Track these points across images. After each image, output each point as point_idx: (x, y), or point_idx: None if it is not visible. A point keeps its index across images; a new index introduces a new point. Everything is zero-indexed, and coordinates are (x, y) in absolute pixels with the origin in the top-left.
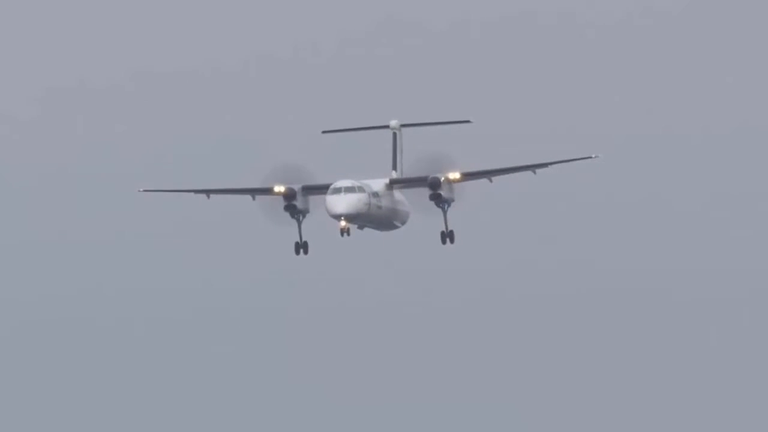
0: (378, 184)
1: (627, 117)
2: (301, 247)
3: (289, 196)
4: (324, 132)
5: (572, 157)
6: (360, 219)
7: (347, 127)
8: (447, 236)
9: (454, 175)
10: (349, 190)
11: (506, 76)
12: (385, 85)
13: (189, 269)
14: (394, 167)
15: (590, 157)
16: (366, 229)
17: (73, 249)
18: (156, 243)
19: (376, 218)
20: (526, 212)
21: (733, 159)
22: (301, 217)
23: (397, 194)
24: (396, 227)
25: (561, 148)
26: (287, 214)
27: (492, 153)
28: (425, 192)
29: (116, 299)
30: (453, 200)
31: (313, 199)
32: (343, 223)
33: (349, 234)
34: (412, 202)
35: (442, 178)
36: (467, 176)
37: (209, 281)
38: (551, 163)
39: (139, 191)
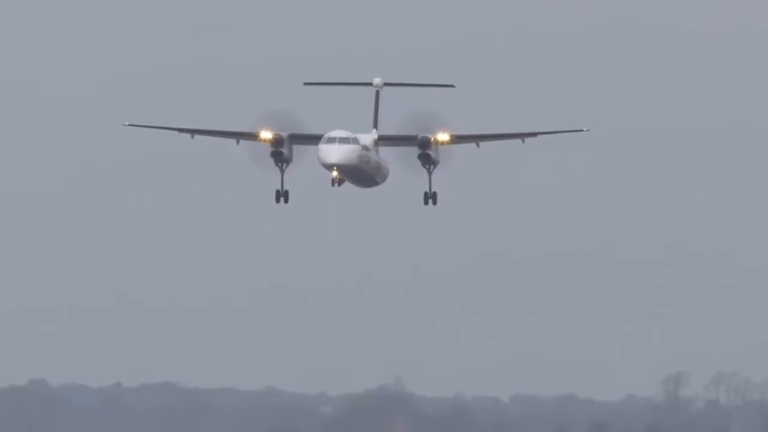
0: (367, 138)
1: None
2: (282, 195)
3: (276, 142)
4: (306, 84)
5: (562, 129)
6: (350, 170)
7: (330, 81)
8: (430, 197)
9: (444, 137)
10: (344, 140)
11: (492, 40)
12: (371, 41)
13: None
14: (375, 125)
15: (581, 131)
16: (345, 185)
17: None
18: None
19: (363, 172)
20: (510, 180)
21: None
22: (284, 166)
23: (382, 152)
24: (376, 184)
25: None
26: (271, 161)
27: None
28: (411, 152)
29: None
30: (439, 162)
31: (298, 149)
32: (335, 173)
33: (340, 184)
34: (398, 160)
35: (432, 138)
36: (457, 139)
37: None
38: (540, 133)
39: (125, 125)
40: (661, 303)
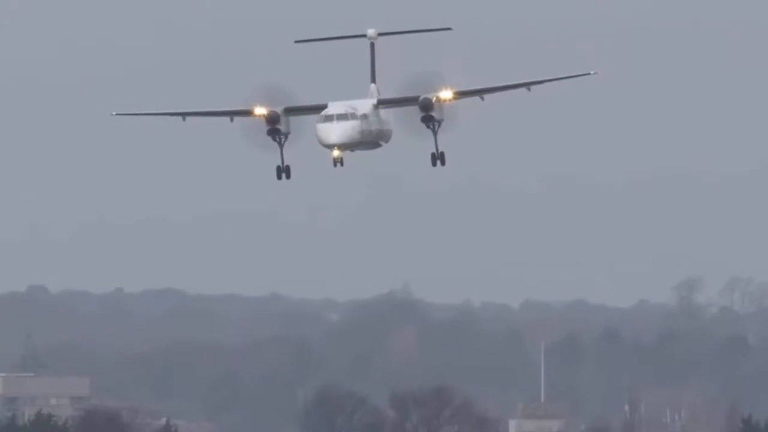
0: (365, 105)
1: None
2: (284, 171)
3: (271, 119)
4: (297, 42)
5: (569, 74)
6: (352, 146)
7: (322, 37)
8: (438, 158)
9: (446, 95)
10: (342, 117)
11: None
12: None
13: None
14: (373, 80)
15: (588, 74)
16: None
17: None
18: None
19: (363, 143)
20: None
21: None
22: (283, 140)
23: (383, 113)
24: (379, 146)
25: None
26: (268, 138)
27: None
28: (414, 112)
29: None
30: (443, 119)
31: (295, 120)
32: (336, 153)
33: (342, 164)
34: (400, 122)
35: (434, 98)
36: (459, 95)
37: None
38: (547, 81)
39: (113, 115)
40: (674, 208)
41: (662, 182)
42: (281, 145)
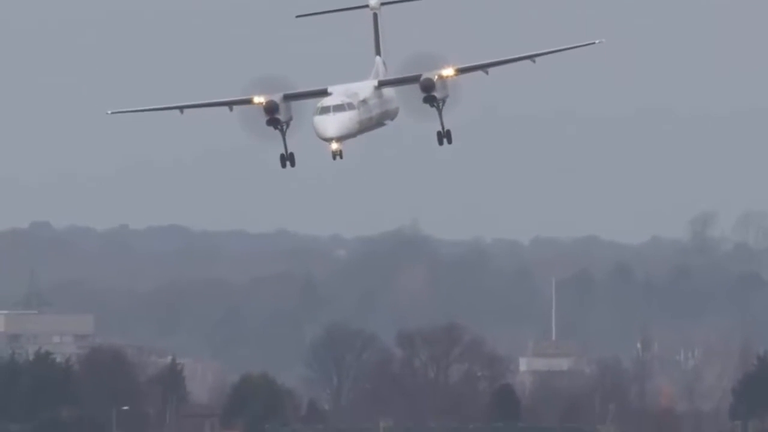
0: (366, 89)
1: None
2: (287, 159)
3: (270, 109)
4: (298, 16)
5: (573, 44)
6: (349, 137)
7: (323, 10)
8: (444, 136)
9: (448, 72)
10: (338, 108)
11: None
12: None
13: None
14: (378, 52)
15: (593, 43)
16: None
17: None
18: None
19: (364, 129)
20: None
21: None
22: (285, 128)
23: (385, 92)
24: (383, 125)
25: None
26: (270, 128)
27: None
28: (417, 91)
29: None
30: (448, 97)
31: (296, 106)
32: (334, 146)
33: (342, 157)
34: (403, 101)
35: (435, 77)
36: (461, 71)
37: None
38: (551, 52)
39: (108, 113)
40: (687, 142)
41: (675, 116)
42: (283, 133)
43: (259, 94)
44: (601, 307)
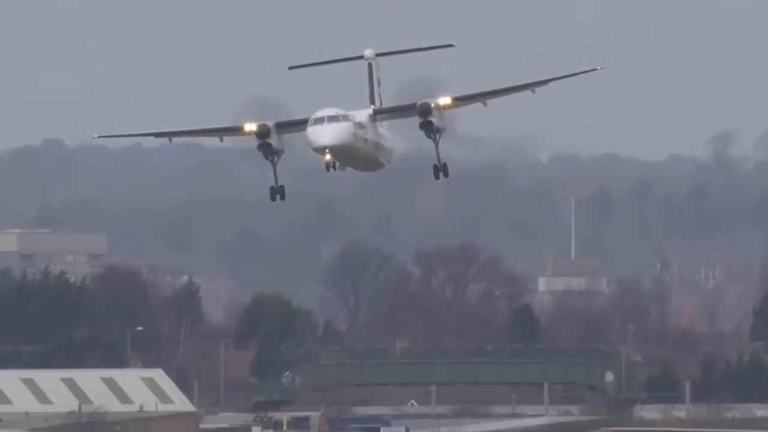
0: (361, 114)
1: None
2: (278, 192)
3: (262, 133)
4: (291, 68)
5: (573, 72)
6: (345, 152)
7: (317, 61)
8: (440, 170)
9: (445, 100)
10: (333, 119)
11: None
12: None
13: None
14: (372, 101)
15: (595, 70)
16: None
17: None
18: None
19: (361, 153)
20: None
21: None
22: (276, 158)
23: (381, 129)
24: (381, 165)
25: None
26: (260, 154)
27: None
28: (413, 125)
29: None
30: (445, 129)
31: (289, 138)
32: (328, 157)
33: (335, 168)
34: (399, 135)
35: (432, 104)
36: (459, 100)
37: None
38: (552, 80)
39: (95, 137)
40: (709, 57)
41: (695, 30)
42: (274, 164)
43: (250, 121)
44: (620, 226)
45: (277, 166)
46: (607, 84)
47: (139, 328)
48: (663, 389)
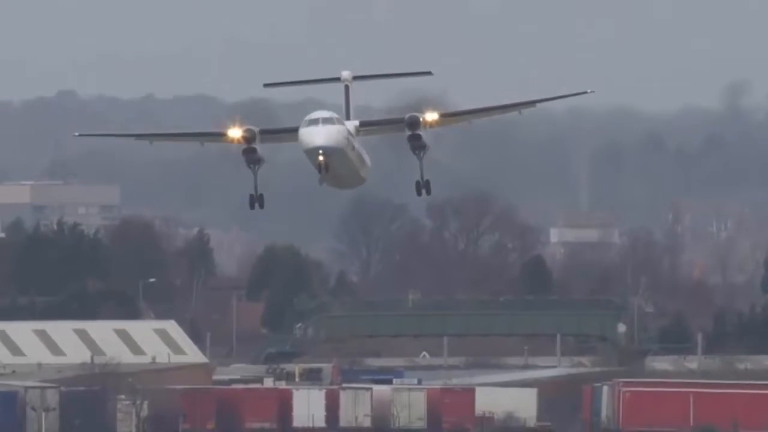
0: (349, 124)
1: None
2: (257, 200)
3: (248, 138)
4: (266, 85)
5: (563, 94)
6: (337, 157)
7: (292, 80)
8: (423, 186)
9: (432, 116)
10: (328, 121)
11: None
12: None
13: None
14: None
15: (585, 92)
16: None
17: None
18: None
19: (348, 162)
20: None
21: None
22: (257, 167)
23: (359, 147)
24: (361, 181)
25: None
26: (242, 160)
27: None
28: (395, 143)
29: None
30: (428, 147)
31: (271, 147)
32: (321, 158)
33: (327, 170)
34: (381, 151)
35: (421, 118)
36: (446, 117)
37: None
38: (540, 101)
39: (75, 136)
40: (720, 5)
41: None
42: (255, 172)
43: (235, 126)
44: (632, 178)
45: (258, 175)
46: (619, 35)
47: (152, 280)
48: (675, 341)
